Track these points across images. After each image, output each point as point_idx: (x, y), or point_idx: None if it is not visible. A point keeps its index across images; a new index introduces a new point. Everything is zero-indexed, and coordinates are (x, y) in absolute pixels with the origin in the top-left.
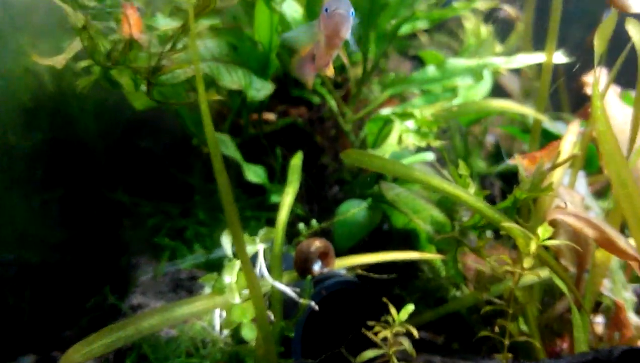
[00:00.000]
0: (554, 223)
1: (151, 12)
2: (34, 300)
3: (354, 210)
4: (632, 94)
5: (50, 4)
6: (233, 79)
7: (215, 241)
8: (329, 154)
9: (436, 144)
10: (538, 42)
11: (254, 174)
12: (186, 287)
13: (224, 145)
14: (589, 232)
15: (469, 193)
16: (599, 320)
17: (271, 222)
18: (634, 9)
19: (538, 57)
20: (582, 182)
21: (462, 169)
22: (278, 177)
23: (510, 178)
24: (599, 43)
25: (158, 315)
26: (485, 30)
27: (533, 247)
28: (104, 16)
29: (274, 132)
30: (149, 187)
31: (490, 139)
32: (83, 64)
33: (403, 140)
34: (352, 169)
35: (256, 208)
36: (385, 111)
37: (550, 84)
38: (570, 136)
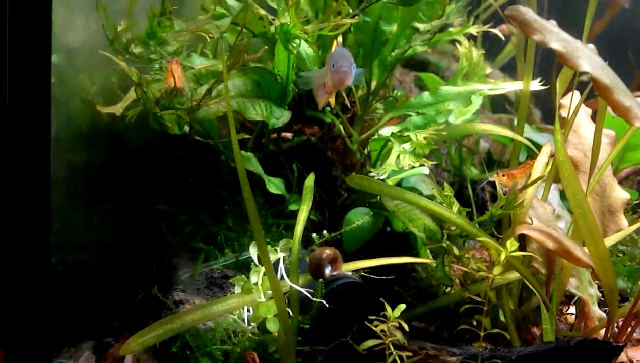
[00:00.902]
0: (526, 234)
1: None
2: (91, 294)
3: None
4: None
5: (103, 44)
6: (257, 111)
7: (242, 245)
8: (339, 167)
9: (428, 164)
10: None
11: (275, 186)
12: (219, 285)
13: (249, 162)
14: (550, 244)
15: (451, 212)
16: (572, 310)
17: (289, 228)
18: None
19: (517, 85)
20: (554, 193)
21: (447, 190)
22: (295, 189)
23: None
24: (560, 86)
25: (199, 311)
26: (476, 54)
27: (502, 257)
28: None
29: (291, 148)
30: (185, 198)
31: (484, 145)
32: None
33: (401, 160)
34: None
35: (276, 216)
36: (386, 131)
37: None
38: (543, 156)
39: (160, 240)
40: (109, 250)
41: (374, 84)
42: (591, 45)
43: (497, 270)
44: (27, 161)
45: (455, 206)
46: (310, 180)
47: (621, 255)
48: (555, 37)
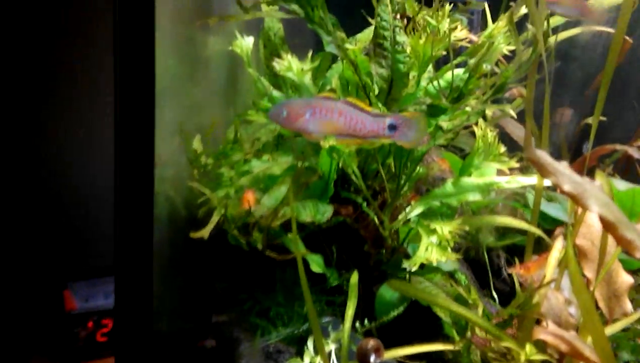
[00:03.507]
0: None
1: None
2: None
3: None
4: None
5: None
6: (307, 212)
7: (290, 318)
8: (370, 244)
9: (453, 257)
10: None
11: (317, 264)
12: (274, 358)
13: (293, 244)
14: (562, 347)
15: (477, 316)
16: None
17: (330, 304)
18: None
19: (531, 180)
20: (566, 280)
21: (473, 293)
22: (333, 265)
23: (514, 250)
24: None
25: None
26: (491, 135)
27: (522, 359)
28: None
29: (328, 227)
30: (242, 276)
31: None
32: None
33: (428, 251)
34: (387, 256)
35: (317, 293)
36: (414, 215)
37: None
38: (555, 252)
39: (225, 315)
40: (188, 320)
41: (403, 177)
42: (597, 183)
43: None
44: (135, 251)
45: (480, 308)
46: (354, 278)
47: (626, 331)
48: (567, 179)
